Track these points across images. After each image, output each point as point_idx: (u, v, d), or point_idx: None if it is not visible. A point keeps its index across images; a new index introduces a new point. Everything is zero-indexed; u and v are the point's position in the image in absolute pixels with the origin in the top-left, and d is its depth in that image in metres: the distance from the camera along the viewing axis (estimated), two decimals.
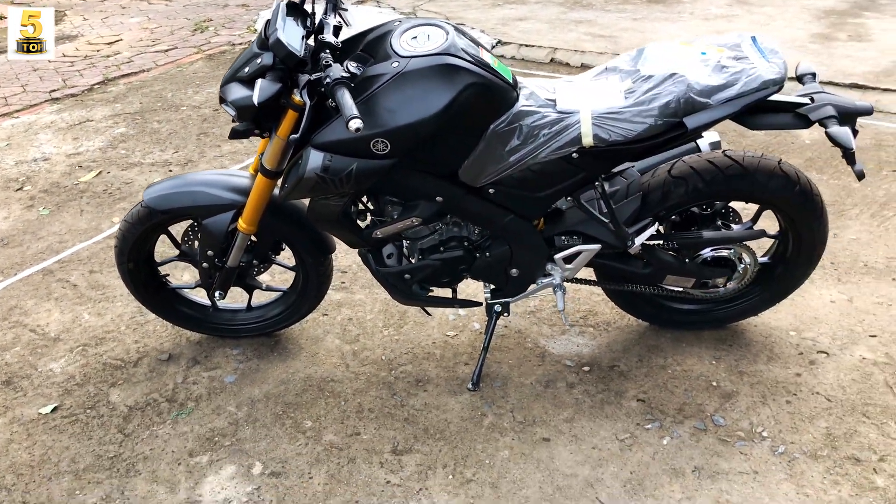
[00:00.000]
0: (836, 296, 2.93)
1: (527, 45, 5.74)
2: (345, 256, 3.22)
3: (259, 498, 2.17)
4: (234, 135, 2.16)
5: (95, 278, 3.18)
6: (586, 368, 2.62)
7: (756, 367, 2.59)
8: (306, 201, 2.27)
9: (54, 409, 2.50)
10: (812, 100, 2.19)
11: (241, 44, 6.14)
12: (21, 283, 3.17)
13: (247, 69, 2.04)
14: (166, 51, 6.11)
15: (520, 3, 6.89)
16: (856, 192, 3.65)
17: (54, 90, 5.28)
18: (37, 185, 3.95)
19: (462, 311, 2.89)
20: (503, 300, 2.50)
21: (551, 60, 5.51)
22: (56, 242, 3.44)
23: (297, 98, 2.00)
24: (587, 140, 2.10)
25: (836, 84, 4.80)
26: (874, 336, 2.72)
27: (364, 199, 2.34)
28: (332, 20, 2.12)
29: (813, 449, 2.27)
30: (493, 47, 5.76)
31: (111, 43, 6.41)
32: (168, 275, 2.76)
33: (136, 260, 2.55)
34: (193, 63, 5.77)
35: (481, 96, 2.03)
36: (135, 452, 2.33)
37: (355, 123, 1.75)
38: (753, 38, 2.18)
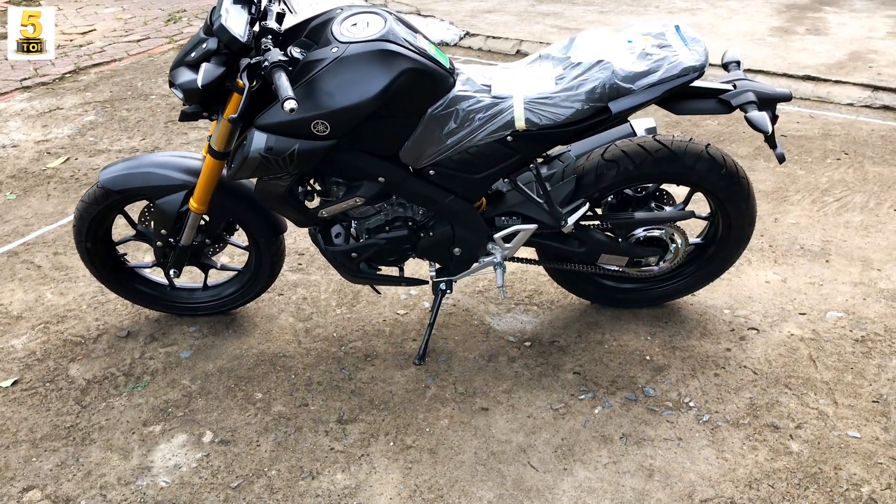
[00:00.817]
0: (772, 276, 3.07)
1: (494, 37, 5.85)
2: (303, 239, 3.32)
3: (208, 464, 2.28)
4: (184, 117, 2.26)
5: (59, 260, 3.27)
6: (528, 344, 2.74)
7: (689, 343, 2.72)
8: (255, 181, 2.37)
9: (14, 383, 2.60)
10: (734, 86, 2.31)
11: None
12: None
13: (193, 54, 2.14)
14: (139, 41, 6.18)
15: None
16: (799, 179, 3.79)
17: (25, 79, 5.34)
18: (4, 171, 4.03)
19: (413, 291, 3.01)
20: (447, 278, 2.62)
21: (517, 52, 5.62)
22: (22, 226, 3.53)
23: (239, 81, 2.10)
24: (520, 124, 2.21)
25: (791, 76, 4.95)
26: (803, 314, 2.85)
27: (311, 179, 2.44)
28: (276, 7, 2.22)
29: (735, 418, 2.40)
30: (461, 39, 5.87)
31: (84, 33, 6.47)
32: (126, 254, 2.86)
33: (93, 239, 2.64)
34: (165, 53, 5.85)
35: (418, 81, 2.14)
36: (91, 423, 2.43)
37: (290, 104, 1.86)
38: (677, 27, 2.30)
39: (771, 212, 3.51)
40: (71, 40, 6.25)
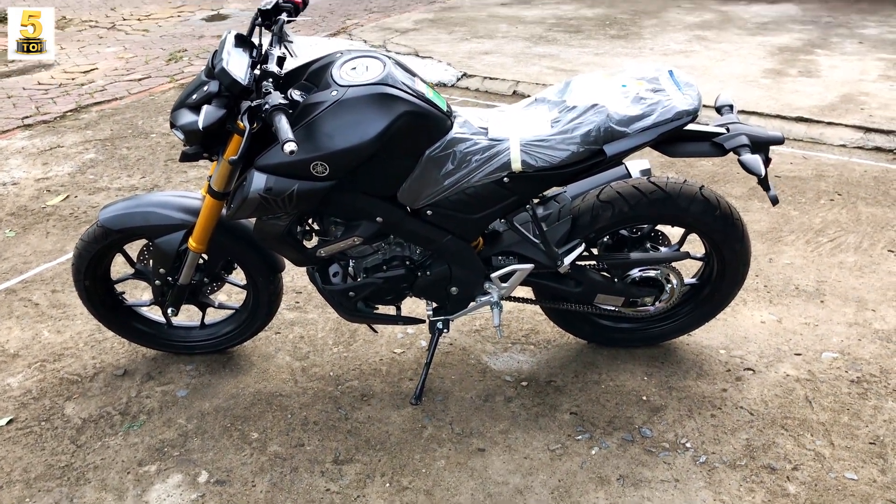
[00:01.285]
0: (767, 317, 3.08)
1: (490, 78, 5.92)
2: (301, 277, 3.34)
3: None
4: (184, 158, 2.29)
5: (57, 297, 3.28)
6: (524, 383, 2.74)
7: (685, 383, 2.72)
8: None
9: (9, 422, 2.59)
10: (728, 129, 2.35)
11: None
12: None
13: (194, 96, 2.18)
14: (140, 79, 6.25)
15: (487, 38, 7.10)
16: (793, 220, 3.82)
17: (27, 117, 5.39)
18: (4, 209, 4.05)
19: (410, 330, 3.01)
20: (444, 317, 2.62)
21: (514, 93, 5.69)
22: (20, 263, 3.54)
23: (240, 124, 2.14)
24: (516, 165, 2.24)
25: (784, 117, 5.01)
26: (799, 354, 2.86)
27: (309, 219, 2.46)
28: (277, 51, 2.25)
29: (732, 459, 2.40)
30: (459, 79, 5.95)
31: (86, 71, 6.54)
32: (124, 292, 2.86)
33: (92, 278, 2.66)
34: (166, 92, 5.91)
35: (416, 123, 2.18)
36: (86, 462, 2.42)
37: (289, 146, 1.88)
38: (670, 72, 2.35)
39: (765, 252, 3.53)
40: (73, 79, 6.32)
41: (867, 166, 4.42)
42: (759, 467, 2.36)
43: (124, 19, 8.44)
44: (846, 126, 4.87)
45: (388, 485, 2.32)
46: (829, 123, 4.92)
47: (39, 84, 6.18)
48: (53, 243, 3.71)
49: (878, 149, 4.64)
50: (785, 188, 4.15)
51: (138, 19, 8.43)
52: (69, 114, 5.46)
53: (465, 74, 6.03)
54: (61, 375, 2.81)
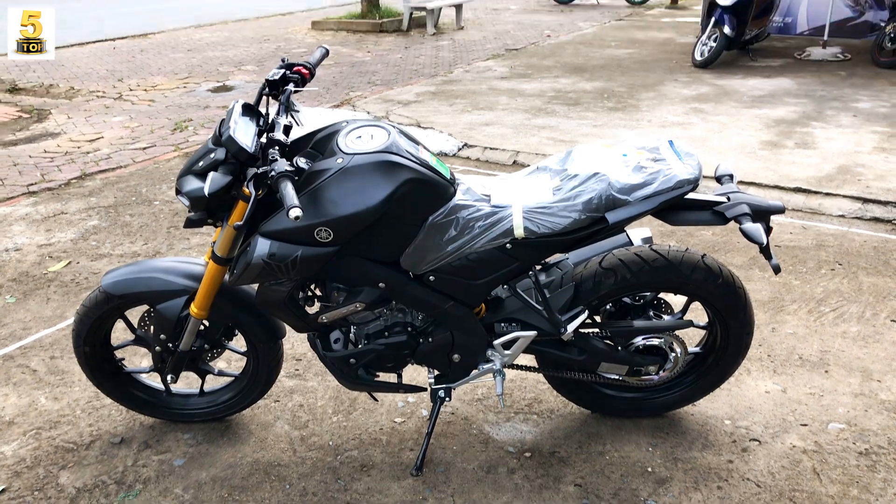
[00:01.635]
0: (771, 386, 3.05)
1: (491, 148, 6.00)
2: (301, 344, 3.31)
3: None
4: (189, 224, 2.30)
5: (56, 364, 3.25)
6: (528, 454, 2.70)
7: (691, 454, 2.68)
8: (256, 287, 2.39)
9: (2, 492, 2.54)
10: (728, 199, 2.37)
11: None
12: None
13: (201, 163, 2.20)
14: (145, 148, 6.33)
15: (487, 110, 7.22)
16: (795, 289, 3.82)
17: (32, 184, 5.44)
18: (6, 274, 4.05)
19: (411, 399, 2.98)
20: (446, 385, 2.60)
21: (514, 162, 5.76)
22: (20, 329, 3.52)
23: (246, 190, 2.15)
24: (518, 232, 2.26)
25: (782, 188, 5.06)
26: (805, 425, 2.82)
27: (312, 285, 2.46)
28: (284, 120, 2.28)
29: None
30: (460, 150, 6.03)
31: (92, 140, 6.63)
32: (124, 359, 2.84)
33: (92, 344, 2.64)
34: (170, 160, 5.98)
35: (419, 190, 2.20)
36: None
37: (295, 212, 1.89)
38: (671, 142, 2.38)
39: (768, 321, 3.52)
40: (79, 147, 6.40)
41: (866, 236, 4.44)
42: None
43: (131, 90, 8.59)
44: (844, 197, 4.92)
45: None
46: (828, 194, 4.97)
47: (45, 152, 6.25)
48: (53, 309, 3.70)
49: (876, 219, 4.67)
50: (785, 258, 4.16)
51: (144, 90, 8.58)
52: (74, 181, 5.51)
53: (466, 144, 6.11)
54: (57, 443, 2.77)
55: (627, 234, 2.57)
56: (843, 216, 4.74)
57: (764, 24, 9.65)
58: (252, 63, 9.87)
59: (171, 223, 4.71)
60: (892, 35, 8.77)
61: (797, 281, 3.91)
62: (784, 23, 10.96)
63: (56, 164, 5.93)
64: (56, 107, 7.83)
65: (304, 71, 2.43)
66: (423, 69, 9.40)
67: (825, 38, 9.79)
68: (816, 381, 3.09)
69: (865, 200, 4.85)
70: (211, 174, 2.14)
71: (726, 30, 8.77)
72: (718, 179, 2.51)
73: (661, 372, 2.66)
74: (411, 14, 12.41)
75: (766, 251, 2.34)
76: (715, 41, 8.92)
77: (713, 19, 8.98)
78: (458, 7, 12.74)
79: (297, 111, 2.36)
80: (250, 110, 2.32)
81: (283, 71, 2.38)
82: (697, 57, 9.08)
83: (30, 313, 3.67)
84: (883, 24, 9.16)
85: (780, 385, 3.06)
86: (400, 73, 9.18)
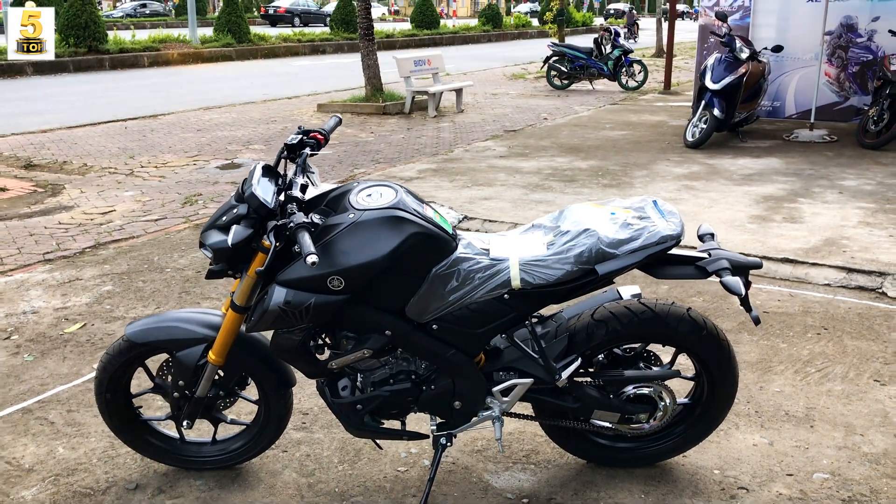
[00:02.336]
0: (759, 440, 3.19)
1: (490, 220, 6.24)
2: (307, 399, 3.46)
3: None
4: (210, 275, 2.49)
5: (73, 416, 3.39)
6: (525, 501, 2.82)
7: (681, 501, 2.80)
8: (269, 337, 2.56)
9: None
10: (710, 254, 2.57)
11: None
12: (1, 421, 3.36)
13: (224, 218, 2.41)
14: (156, 220, 6.57)
15: (486, 186, 7.50)
16: (782, 352, 3.98)
17: (48, 252, 5.65)
18: (24, 335, 4.22)
19: (413, 449, 3.11)
20: (448, 432, 2.74)
21: None
22: (37, 385, 3.67)
23: (265, 242, 2.35)
24: (516, 283, 2.45)
25: (770, 258, 5.26)
26: (791, 475, 2.95)
27: (322, 334, 2.63)
28: (301, 180, 2.50)
29: None
30: (460, 221, 6.27)
31: (105, 213, 6.87)
32: (141, 407, 2.99)
33: (113, 391, 2.80)
34: (181, 231, 6.20)
35: (423, 243, 2.40)
36: None
37: (312, 259, 2.09)
38: (655, 202, 2.59)
39: (756, 381, 3.67)
40: (92, 219, 6.63)
41: (851, 304, 4.62)
42: None
43: (142, 166, 8.89)
44: (830, 267, 5.12)
45: None
46: (814, 264, 5.17)
47: (60, 224, 6.48)
48: (70, 367, 3.85)
49: (860, 288, 4.86)
50: (773, 323, 4.33)
51: (155, 167, 8.88)
52: (88, 250, 5.73)
53: (466, 217, 6.35)
54: (74, 489, 2.89)
55: (618, 291, 2.76)
56: (828, 285, 4.93)
57: (753, 108, 10.04)
58: (259, 142, 10.21)
59: (182, 289, 4.90)
60: (874, 118, 9.14)
61: (784, 344, 4.08)
62: (773, 106, 11.40)
63: (70, 234, 6.15)
64: (70, 182, 8.11)
65: (318, 136, 2.66)
66: (424, 148, 9.74)
67: (812, 120, 10.19)
68: (802, 434, 3.22)
69: (850, 270, 5.05)
70: (234, 227, 2.34)
71: (716, 112, 9.15)
72: (701, 238, 2.71)
73: (651, 420, 2.81)
74: (413, 98, 12.87)
75: (745, 303, 2.52)
76: (705, 123, 9.29)
77: (703, 102, 9.36)
78: (459, 91, 13.22)
79: (313, 172, 2.58)
80: (270, 171, 2.54)
81: (300, 136, 2.61)
82: (689, 138, 9.43)
83: (47, 370, 3.82)
84: (866, 108, 9.55)
85: (767, 438, 3.19)
86: (402, 152, 9.52)
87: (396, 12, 59.06)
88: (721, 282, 2.46)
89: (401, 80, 13.13)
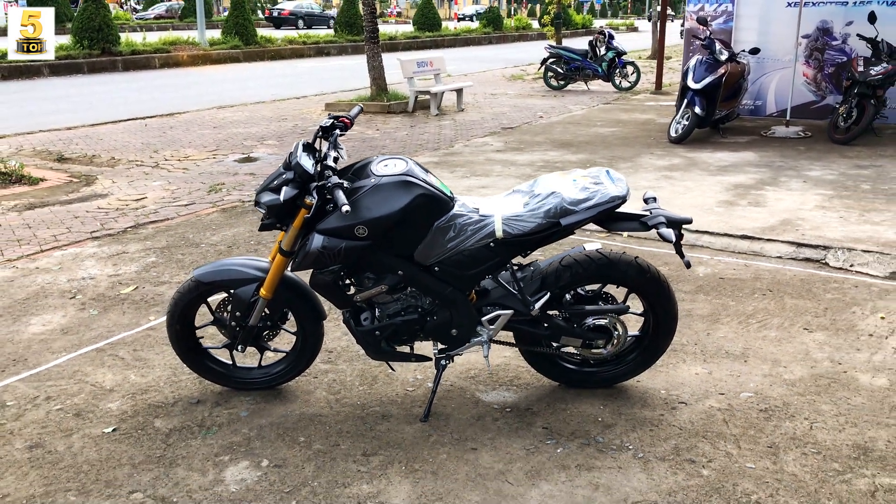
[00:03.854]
0: (700, 370, 3.92)
1: None
2: (332, 342, 4.19)
3: (266, 478, 3.04)
4: (263, 228, 3.23)
5: (138, 354, 4.13)
6: (508, 409, 3.55)
7: (632, 410, 3.54)
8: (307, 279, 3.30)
9: (114, 430, 3.39)
10: (651, 213, 3.30)
11: (249, 201, 7.35)
12: (80, 358, 4.10)
13: (275, 182, 3.15)
14: (186, 205, 7.31)
15: (484, 176, 8.24)
16: (731, 308, 4.72)
17: (94, 231, 6.39)
18: (86, 295, 4.96)
19: (419, 376, 3.84)
20: (447, 354, 3.48)
21: None
22: (105, 331, 4.41)
23: (308, 200, 3.09)
24: (499, 233, 3.18)
25: (730, 235, 6.00)
26: (722, 394, 3.68)
27: (348, 278, 3.36)
28: (333, 154, 3.24)
29: (663, 455, 3.19)
30: None
31: (138, 199, 7.61)
32: (202, 337, 3.73)
33: (181, 323, 3.53)
34: (210, 214, 6.95)
35: (428, 202, 3.13)
36: (175, 454, 3.21)
37: (346, 208, 2.83)
38: (608, 171, 3.33)
39: (705, 329, 4.41)
40: (127, 205, 7.37)
41: (797, 272, 5.36)
42: (683, 460, 3.15)
43: (165, 160, 9.63)
44: (782, 242, 5.86)
45: (403, 468, 3.10)
46: (769, 240, 5.91)
47: (99, 209, 7.22)
48: (129, 319, 4.59)
49: (807, 259, 5.59)
50: (726, 286, 5.07)
51: (178, 160, 9.62)
52: (129, 230, 6.47)
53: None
54: (149, 402, 3.63)
55: (584, 247, 3.49)
56: (780, 257, 5.66)
57: (733, 106, 10.78)
58: (273, 139, 10.96)
59: (216, 259, 5.62)
60: (844, 115, 9.88)
61: (733, 302, 4.81)
62: (754, 105, 12.15)
63: (111, 217, 6.89)
64: (101, 173, 8.85)
65: (346, 121, 3.39)
66: (427, 144, 10.49)
67: (787, 118, 10.93)
68: (736, 367, 3.96)
69: (799, 245, 5.78)
70: (284, 188, 3.08)
71: (697, 110, 9.88)
72: (645, 201, 3.44)
73: (608, 346, 3.54)
74: (416, 97, 13.63)
75: (678, 250, 3.26)
76: (687, 120, 10.02)
77: (686, 101, 10.10)
78: (459, 92, 13.97)
79: (342, 148, 3.32)
80: (308, 147, 3.27)
81: (331, 120, 3.34)
82: (672, 134, 10.17)
83: (111, 321, 4.56)
84: (837, 106, 10.28)
85: (707, 369, 3.93)
86: (406, 147, 10.26)
87: (399, 14, 59.85)
88: (658, 232, 3.20)
89: (404, 81, 13.90)
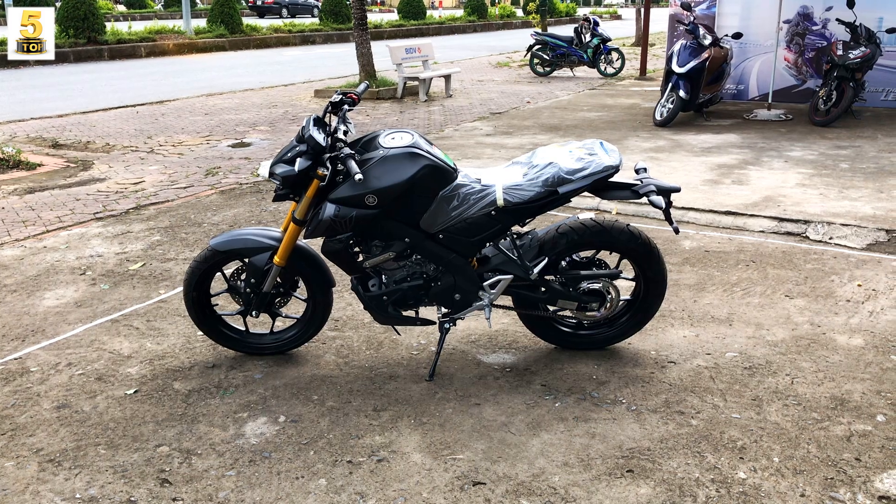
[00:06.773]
0: (688, 333, 4.15)
1: None
2: (338, 312, 4.39)
3: (284, 431, 3.24)
4: (276, 198, 3.42)
5: (152, 324, 4.31)
6: (508, 369, 3.77)
7: (624, 369, 3.76)
8: (318, 248, 3.49)
9: (135, 392, 3.58)
10: (641, 182, 3.52)
11: (247, 184, 7.52)
12: (96, 328, 4.28)
13: (289, 154, 3.33)
14: (185, 188, 7.46)
15: (475, 159, 8.43)
16: (716, 278, 4.95)
17: (97, 212, 6.55)
18: (96, 271, 5.13)
19: (423, 340, 4.05)
20: (450, 317, 3.68)
21: None
22: (118, 304, 4.59)
23: (320, 171, 3.28)
24: (500, 202, 3.38)
25: (715, 211, 6.24)
26: (709, 354, 3.92)
27: (357, 246, 3.56)
28: (342, 127, 3.42)
29: (654, 407, 3.41)
30: None
31: (136, 183, 7.75)
32: (217, 304, 3.91)
33: (198, 290, 3.71)
34: (209, 196, 7.11)
35: (433, 172, 3.33)
36: (196, 412, 3.40)
37: (358, 176, 3.03)
38: (601, 143, 3.54)
39: (692, 297, 4.64)
40: (126, 188, 7.52)
41: (779, 244, 5.60)
42: (673, 412, 3.38)
43: (160, 145, 9.76)
44: (764, 217, 6.10)
45: (412, 421, 3.31)
46: (752, 216, 6.15)
47: (99, 192, 7.36)
48: (140, 292, 4.77)
49: (788, 233, 5.83)
50: (712, 259, 5.30)
51: (172, 145, 9.75)
52: (132, 210, 6.63)
53: None
54: (166, 367, 3.82)
55: (578, 217, 3.70)
56: (762, 231, 5.91)
57: (717, 90, 11.02)
58: (264, 124, 11.10)
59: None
60: (824, 98, 10.14)
61: (718, 272, 5.04)
62: (737, 89, 12.40)
63: (112, 199, 7.04)
64: (97, 159, 8.97)
65: (353, 97, 3.58)
66: (417, 129, 10.66)
67: (769, 101, 11.19)
68: (722, 330, 4.19)
69: (781, 219, 6.03)
70: (298, 159, 3.27)
71: (681, 93, 10.11)
72: (636, 171, 3.65)
73: (601, 309, 3.75)
74: (405, 84, 13.79)
75: (667, 217, 3.48)
76: (672, 103, 10.25)
77: (670, 84, 10.32)
78: (447, 78, 14.14)
79: (350, 122, 3.51)
80: (319, 122, 3.45)
81: (340, 96, 3.53)
82: (657, 117, 10.40)
83: (122, 295, 4.73)
84: (817, 89, 10.54)
85: (694, 332, 4.16)
86: None
87: (382, 2, 59.78)
88: (648, 200, 3.41)
89: (392, 68, 14.04)
